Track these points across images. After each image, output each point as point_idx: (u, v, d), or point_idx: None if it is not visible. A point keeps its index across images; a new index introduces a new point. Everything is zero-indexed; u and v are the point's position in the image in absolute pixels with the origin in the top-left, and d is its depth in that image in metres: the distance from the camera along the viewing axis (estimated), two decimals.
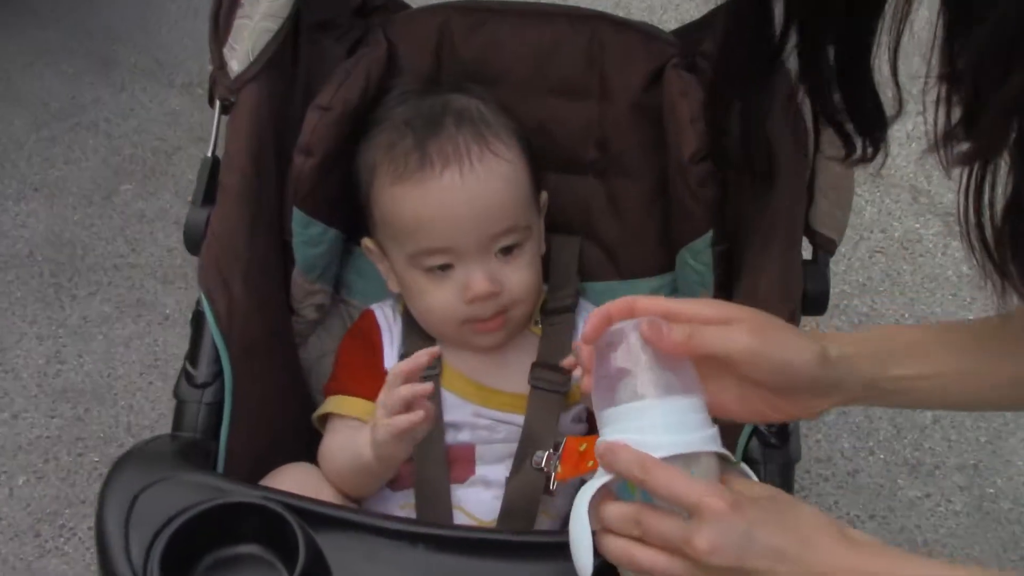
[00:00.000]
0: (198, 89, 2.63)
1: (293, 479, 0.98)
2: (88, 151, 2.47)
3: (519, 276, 1.05)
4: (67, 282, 2.15)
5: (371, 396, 1.05)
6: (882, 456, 1.81)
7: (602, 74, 1.12)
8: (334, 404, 1.07)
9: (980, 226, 0.67)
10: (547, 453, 0.92)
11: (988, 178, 0.66)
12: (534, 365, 1.08)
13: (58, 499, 1.75)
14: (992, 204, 0.66)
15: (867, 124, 0.83)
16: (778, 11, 0.79)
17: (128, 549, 0.76)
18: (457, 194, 1.01)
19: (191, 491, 0.81)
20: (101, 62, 2.72)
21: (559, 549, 0.78)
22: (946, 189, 2.27)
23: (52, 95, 2.62)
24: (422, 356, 0.94)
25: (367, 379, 1.06)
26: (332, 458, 1.04)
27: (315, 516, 0.80)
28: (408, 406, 0.92)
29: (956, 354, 0.83)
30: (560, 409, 1.06)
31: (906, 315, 1.96)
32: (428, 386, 0.93)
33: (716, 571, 0.70)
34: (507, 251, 1.05)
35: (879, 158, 0.87)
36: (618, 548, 0.72)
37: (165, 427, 1.93)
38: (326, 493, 1.00)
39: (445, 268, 1.04)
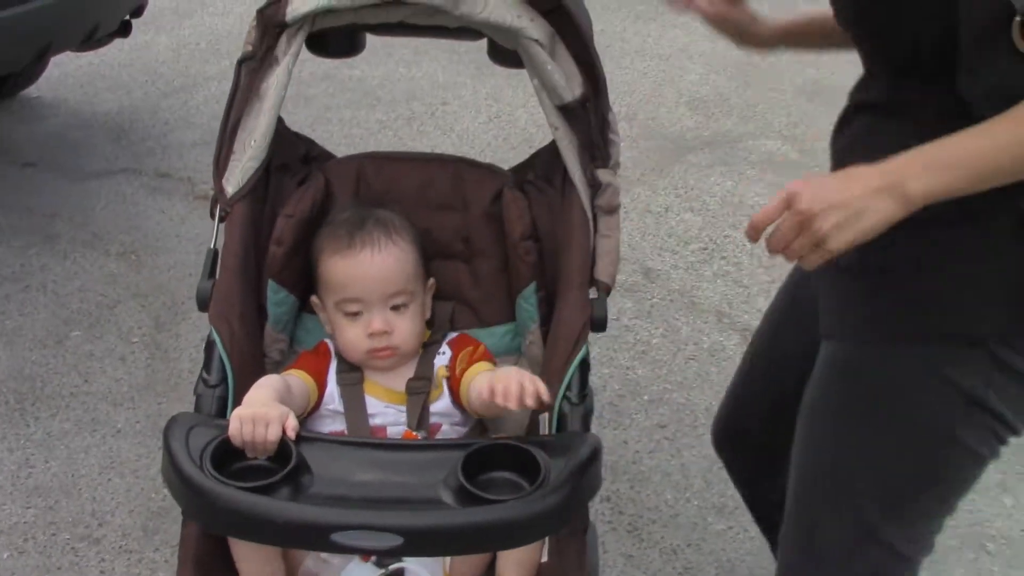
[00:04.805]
0: (131, 256, 3.04)
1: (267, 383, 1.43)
2: (39, 307, 2.83)
3: (404, 324, 1.57)
4: (31, 407, 2.48)
5: (308, 370, 1.55)
6: None
7: (463, 195, 1.70)
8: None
9: None
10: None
11: None
12: (409, 380, 1.58)
13: (38, 568, 2.07)
14: None
15: None
16: None
17: (189, 454, 1.25)
18: (369, 265, 1.55)
19: (222, 429, 1.31)
20: (44, 237, 3.11)
21: (449, 447, 1.32)
22: (742, 312, 2.89)
23: (4, 264, 3.00)
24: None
25: (309, 364, 1.57)
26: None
27: (301, 437, 1.31)
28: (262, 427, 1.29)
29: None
30: (424, 403, 1.55)
31: (713, 404, 2.21)
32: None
33: (815, 220, 1.04)
34: (397, 307, 1.57)
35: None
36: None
37: (126, 513, 2.29)
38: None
39: (357, 314, 1.56)
